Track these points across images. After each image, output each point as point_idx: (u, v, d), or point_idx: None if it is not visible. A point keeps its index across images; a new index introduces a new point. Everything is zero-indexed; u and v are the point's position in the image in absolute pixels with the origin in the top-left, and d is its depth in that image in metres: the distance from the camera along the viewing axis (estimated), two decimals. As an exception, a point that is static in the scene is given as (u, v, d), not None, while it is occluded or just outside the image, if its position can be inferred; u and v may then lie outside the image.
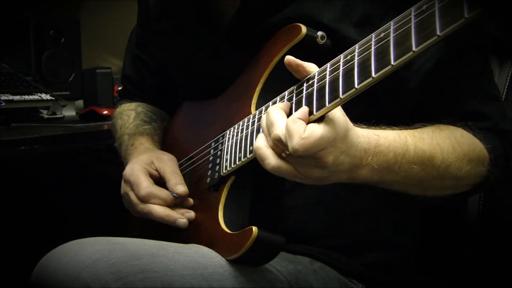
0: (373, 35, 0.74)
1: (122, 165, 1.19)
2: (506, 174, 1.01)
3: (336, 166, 0.80)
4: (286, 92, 0.88)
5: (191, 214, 1.05)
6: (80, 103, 2.17)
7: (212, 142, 1.06)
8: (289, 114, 0.83)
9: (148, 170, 1.09)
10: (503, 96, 1.19)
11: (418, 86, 0.98)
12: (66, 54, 2.07)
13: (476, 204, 1.22)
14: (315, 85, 0.81)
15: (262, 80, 0.99)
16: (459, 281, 1.24)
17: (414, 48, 0.67)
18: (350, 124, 0.81)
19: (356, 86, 0.74)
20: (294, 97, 0.85)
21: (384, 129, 0.88)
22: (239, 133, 0.97)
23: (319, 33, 0.93)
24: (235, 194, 0.99)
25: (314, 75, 0.82)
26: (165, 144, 1.26)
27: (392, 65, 0.70)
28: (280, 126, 0.80)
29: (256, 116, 0.94)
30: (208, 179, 1.03)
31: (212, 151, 1.06)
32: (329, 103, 0.77)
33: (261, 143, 0.83)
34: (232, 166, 0.96)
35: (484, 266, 1.22)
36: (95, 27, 2.28)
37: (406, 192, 0.93)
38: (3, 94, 1.75)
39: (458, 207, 1.25)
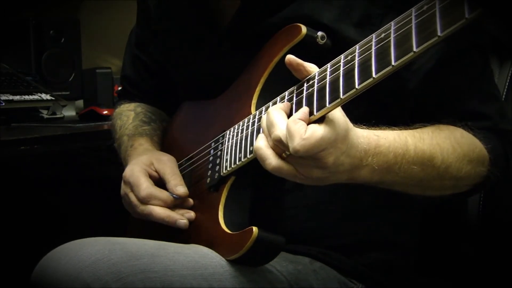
0: (374, 35, 0.74)
1: (122, 165, 1.19)
2: (506, 174, 1.01)
3: (336, 166, 0.80)
4: (287, 92, 0.88)
5: (191, 214, 1.05)
6: (80, 103, 2.17)
7: (212, 142, 1.06)
8: (289, 114, 0.83)
9: (148, 171, 1.09)
10: (503, 96, 1.19)
11: (418, 86, 0.98)
12: (66, 54, 2.06)
13: (476, 204, 1.22)
14: (316, 85, 0.81)
15: (262, 80, 0.99)
16: (459, 281, 1.24)
17: (414, 49, 0.67)
18: (350, 124, 0.81)
19: (356, 86, 0.74)
20: (294, 98, 0.85)
21: (384, 129, 0.88)
22: (239, 133, 0.97)
23: (319, 33, 0.93)
24: (235, 194, 0.99)
25: (315, 76, 0.82)
26: (164, 144, 1.26)
27: (392, 65, 0.70)
28: (281, 126, 0.80)
29: (256, 117, 0.94)
30: (208, 179, 1.03)
31: (212, 151, 1.06)
32: (329, 103, 0.77)
33: (262, 144, 0.83)
34: (232, 166, 0.96)
35: (484, 266, 1.22)
36: (95, 27, 2.28)
37: (406, 192, 0.93)
38: (3, 94, 1.75)
39: (458, 207, 1.25)
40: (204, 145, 1.09)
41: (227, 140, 1.01)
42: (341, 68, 0.77)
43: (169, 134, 1.27)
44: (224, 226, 0.96)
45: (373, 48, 0.73)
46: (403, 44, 0.69)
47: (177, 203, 1.06)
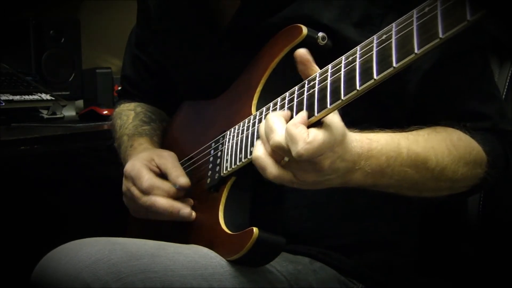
0: (375, 37, 0.74)
1: (122, 165, 1.19)
2: (506, 174, 1.01)
3: (331, 170, 0.80)
4: (287, 93, 0.88)
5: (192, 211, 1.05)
6: (80, 103, 2.17)
7: (212, 143, 1.06)
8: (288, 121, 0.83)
9: (149, 167, 1.09)
10: (503, 96, 1.19)
11: (417, 86, 0.98)
12: (66, 54, 2.06)
13: (476, 204, 1.22)
14: (317, 86, 0.81)
15: (263, 81, 0.99)
16: (459, 281, 1.24)
17: (416, 51, 0.67)
18: (346, 129, 0.81)
19: (357, 88, 0.74)
20: (295, 98, 0.85)
21: (376, 132, 0.88)
22: (240, 134, 0.97)
23: (320, 34, 0.93)
24: (235, 195, 0.99)
25: (316, 77, 0.82)
26: (164, 144, 1.26)
27: (394, 67, 0.70)
28: (280, 132, 0.79)
29: (257, 117, 0.94)
30: (208, 180, 1.03)
31: (212, 151, 1.06)
32: (330, 104, 0.77)
33: (260, 152, 0.82)
34: (233, 166, 0.96)
35: (484, 266, 1.22)
36: (95, 27, 2.28)
37: (402, 194, 0.93)
38: (3, 94, 1.75)
39: (458, 207, 1.25)
40: (204, 145, 1.09)
41: (227, 140, 1.01)
42: (342, 70, 0.77)
43: (169, 134, 1.27)
44: (224, 226, 0.96)
45: (375, 50, 0.73)
46: (404, 45, 0.69)
47: (179, 195, 1.05)
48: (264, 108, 0.94)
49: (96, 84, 2.05)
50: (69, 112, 2.08)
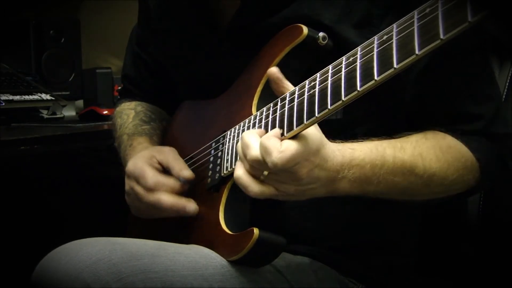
0: (376, 37, 0.74)
1: (122, 165, 1.19)
2: (503, 176, 1.02)
3: (310, 179, 0.82)
4: (288, 94, 0.87)
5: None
6: (80, 103, 2.17)
7: (212, 143, 1.06)
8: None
9: (151, 164, 1.08)
10: (503, 96, 1.19)
11: (417, 86, 0.98)
12: (66, 54, 2.06)
13: (476, 204, 1.22)
14: (317, 87, 0.81)
15: (263, 81, 0.99)
16: (459, 281, 1.24)
17: (417, 51, 0.67)
18: (325, 139, 0.83)
19: (358, 88, 0.74)
20: (296, 99, 0.84)
21: (361, 142, 0.89)
22: (240, 134, 0.97)
23: (321, 34, 0.93)
24: (236, 195, 0.98)
25: (316, 77, 0.82)
26: (164, 144, 1.25)
27: (394, 68, 0.70)
28: (255, 146, 0.82)
29: (257, 117, 0.94)
30: (209, 180, 1.03)
31: (212, 151, 1.06)
32: (331, 105, 0.78)
33: (240, 172, 0.85)
34: (233, 166, 0.96)
35: (484, 266, 1.22)
36: (95, 27, 2.28)
37: (394, 199, 0.94)
38: (3, 94, 1.75)
39: (458, 207, 1.25)
40: (204, 145, 1.09)
41: (227, 140, 1.01)
42: (343, 70, 0.77)
43: (169, 134, 1.27)
44: (224, 226, 0.96)
45: (375, 50, 0.73)
46: (405, 46, 0.69)
47: (184, 190, 1.05)
48: (264, 108, 0.93)
49: (96, 84, 2.05)
50: (69, 112, 2.08)
